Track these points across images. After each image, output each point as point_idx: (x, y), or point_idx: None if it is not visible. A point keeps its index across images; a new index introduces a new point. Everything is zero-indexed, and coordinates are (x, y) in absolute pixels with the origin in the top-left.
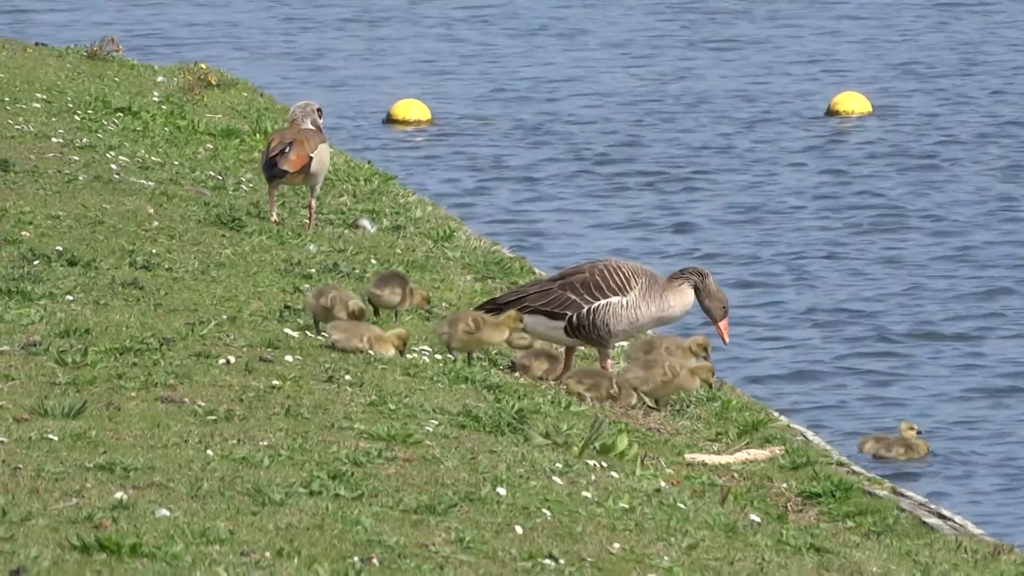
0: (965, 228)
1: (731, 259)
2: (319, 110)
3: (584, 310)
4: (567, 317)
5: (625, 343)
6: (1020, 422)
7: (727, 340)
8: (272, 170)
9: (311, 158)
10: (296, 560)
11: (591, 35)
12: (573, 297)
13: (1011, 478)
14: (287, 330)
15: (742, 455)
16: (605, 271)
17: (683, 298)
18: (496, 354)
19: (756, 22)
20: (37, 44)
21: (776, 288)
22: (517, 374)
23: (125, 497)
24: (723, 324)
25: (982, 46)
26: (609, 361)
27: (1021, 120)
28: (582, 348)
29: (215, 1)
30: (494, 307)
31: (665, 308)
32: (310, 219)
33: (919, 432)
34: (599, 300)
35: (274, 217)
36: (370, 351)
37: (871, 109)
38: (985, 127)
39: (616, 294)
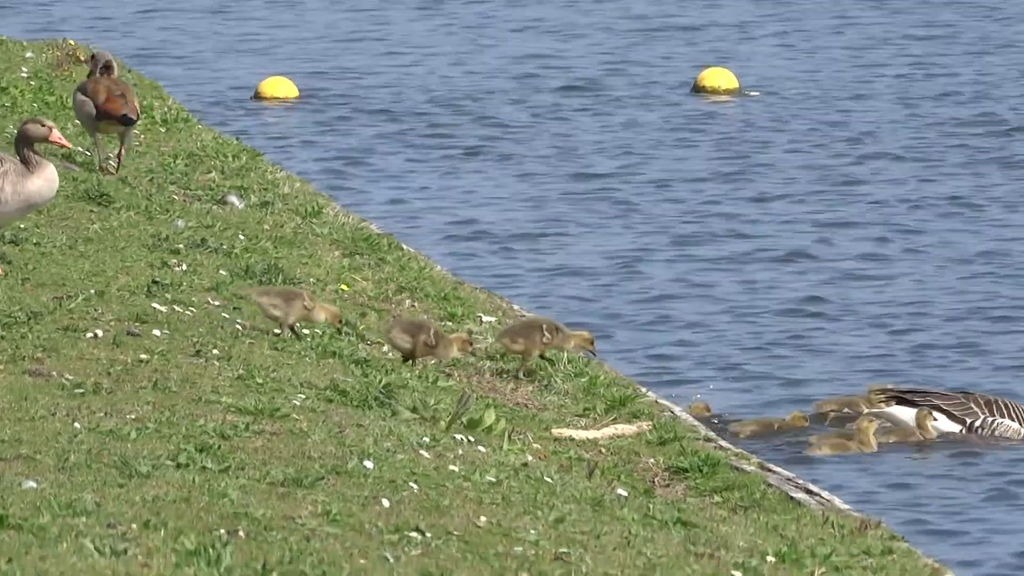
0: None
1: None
2: (108, 63)
3: (985, 420)
4: (967, 423)
5: None
6: None
7: None
8: (128, 120)
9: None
10: (163, 532)
11: (451, 10)
12: (976, 409)
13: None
14: (155, 304)
15: (609, 430)
16: (1011, 403)
17: None
18: (364, 328)
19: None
20: None
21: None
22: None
23: None
24: None
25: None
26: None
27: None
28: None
29: None
30: (895, 396)
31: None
32: (119, 161)
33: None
34: (998, 419)
35: (106, 157)
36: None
37: (738, 86)
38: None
39: (1015, 421)
